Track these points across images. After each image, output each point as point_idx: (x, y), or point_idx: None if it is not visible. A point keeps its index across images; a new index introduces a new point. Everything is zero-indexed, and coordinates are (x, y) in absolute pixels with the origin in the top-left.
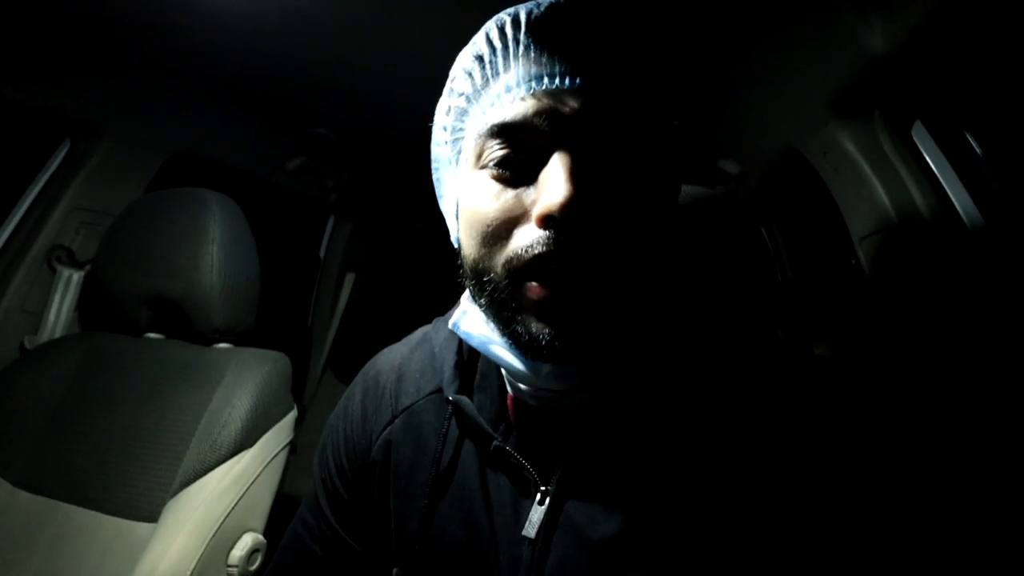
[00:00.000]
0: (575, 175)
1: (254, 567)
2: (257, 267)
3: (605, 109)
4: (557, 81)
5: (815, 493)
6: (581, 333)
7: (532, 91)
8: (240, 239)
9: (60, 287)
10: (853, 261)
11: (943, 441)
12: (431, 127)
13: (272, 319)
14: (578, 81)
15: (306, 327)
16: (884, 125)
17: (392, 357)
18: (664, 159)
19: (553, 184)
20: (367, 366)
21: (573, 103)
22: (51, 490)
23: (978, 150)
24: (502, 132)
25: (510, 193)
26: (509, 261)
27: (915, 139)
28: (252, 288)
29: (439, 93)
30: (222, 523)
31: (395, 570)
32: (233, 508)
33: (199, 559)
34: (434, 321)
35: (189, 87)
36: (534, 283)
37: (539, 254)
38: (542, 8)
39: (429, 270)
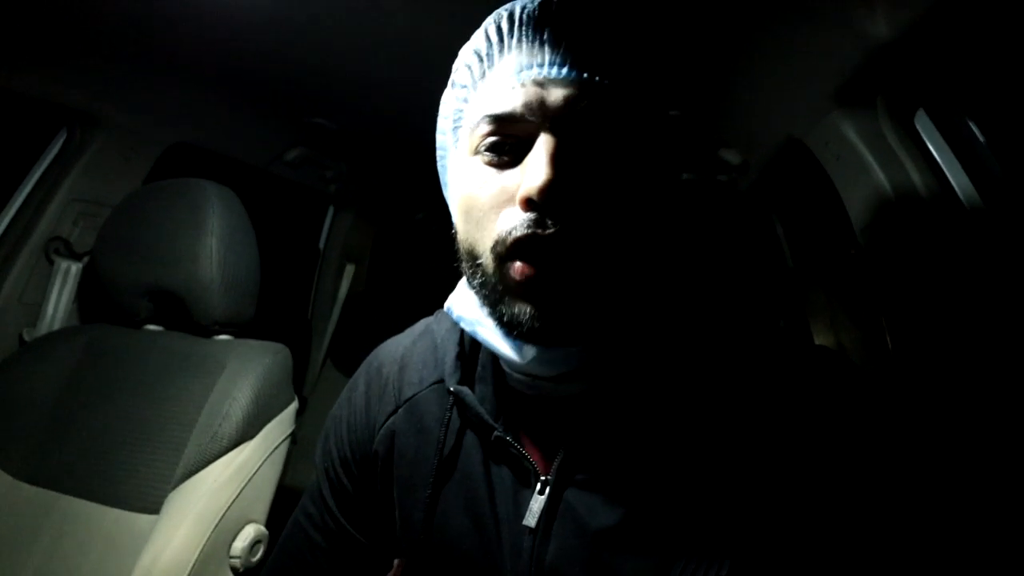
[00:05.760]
0: (557, 159)
1: (256, 558)
2: (257, 258)
3: (591, 96)
4: (545, 70)
5: (814, 482)
6: (562, 313)
7: (522, 81)
8: (239, 230)
9: (58, 279)
10: (853, 251)
11: (945, 430)
12: (434, 117)
13: (272, 310)
14: (565, 70)
15: (306, 319)
16: (887, 113)
17: (394, 348)
18: (655, 146)
19: (534, 168)
20: (370, 357)
21: (560, 91)
22: (53, 482)
23: (981, 138)
24: (494, 120)
25: (499, 177)
26: (495, 243)
27: (918, 127)
28: (252, 279)
29: (439, 84)
30: (224, 514)
31: (396, 561)
32: (235, 499)
33: (201, 550)
34: (436, 313)
35: (187, 77)
36: (518, 263)
37: (520, 236)
38: (536, 2)
39: (430, 261)
